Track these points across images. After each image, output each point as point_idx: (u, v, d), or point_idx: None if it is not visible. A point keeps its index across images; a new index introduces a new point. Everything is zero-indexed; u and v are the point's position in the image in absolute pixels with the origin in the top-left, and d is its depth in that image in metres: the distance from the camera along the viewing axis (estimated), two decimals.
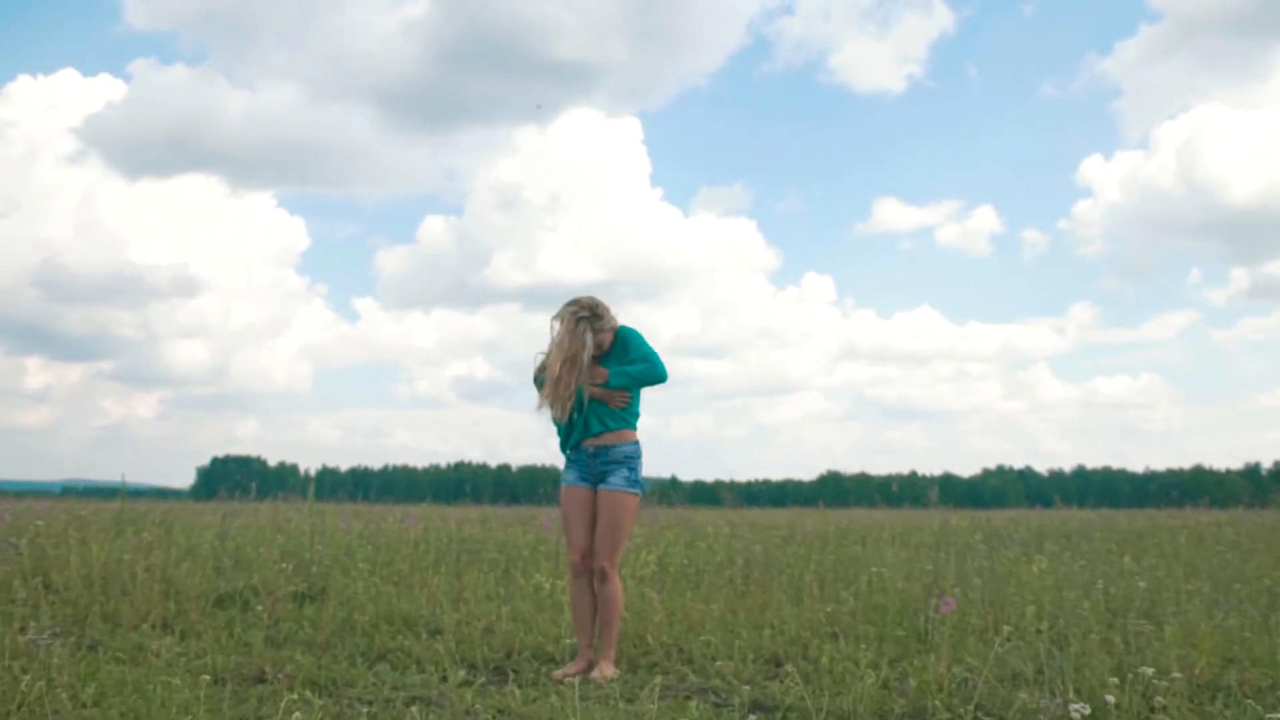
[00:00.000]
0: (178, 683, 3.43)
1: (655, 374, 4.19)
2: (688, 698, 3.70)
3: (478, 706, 3.50)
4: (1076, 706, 2.90)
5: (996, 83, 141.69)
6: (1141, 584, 5.67)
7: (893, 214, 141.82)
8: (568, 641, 4.49)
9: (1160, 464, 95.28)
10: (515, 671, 4.14)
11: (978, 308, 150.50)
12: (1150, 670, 3.19)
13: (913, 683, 3.67)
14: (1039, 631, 4.46)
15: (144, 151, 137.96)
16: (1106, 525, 13.59)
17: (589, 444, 4.19)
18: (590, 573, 4.19)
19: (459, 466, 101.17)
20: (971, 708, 3.34)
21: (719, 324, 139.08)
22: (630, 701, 3.59)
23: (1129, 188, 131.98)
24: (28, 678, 3.27)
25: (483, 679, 3.93)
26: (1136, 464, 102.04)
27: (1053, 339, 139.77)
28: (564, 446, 4.28)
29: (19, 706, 3.19)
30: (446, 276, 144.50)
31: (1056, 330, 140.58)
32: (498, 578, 6.47)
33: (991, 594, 5.49)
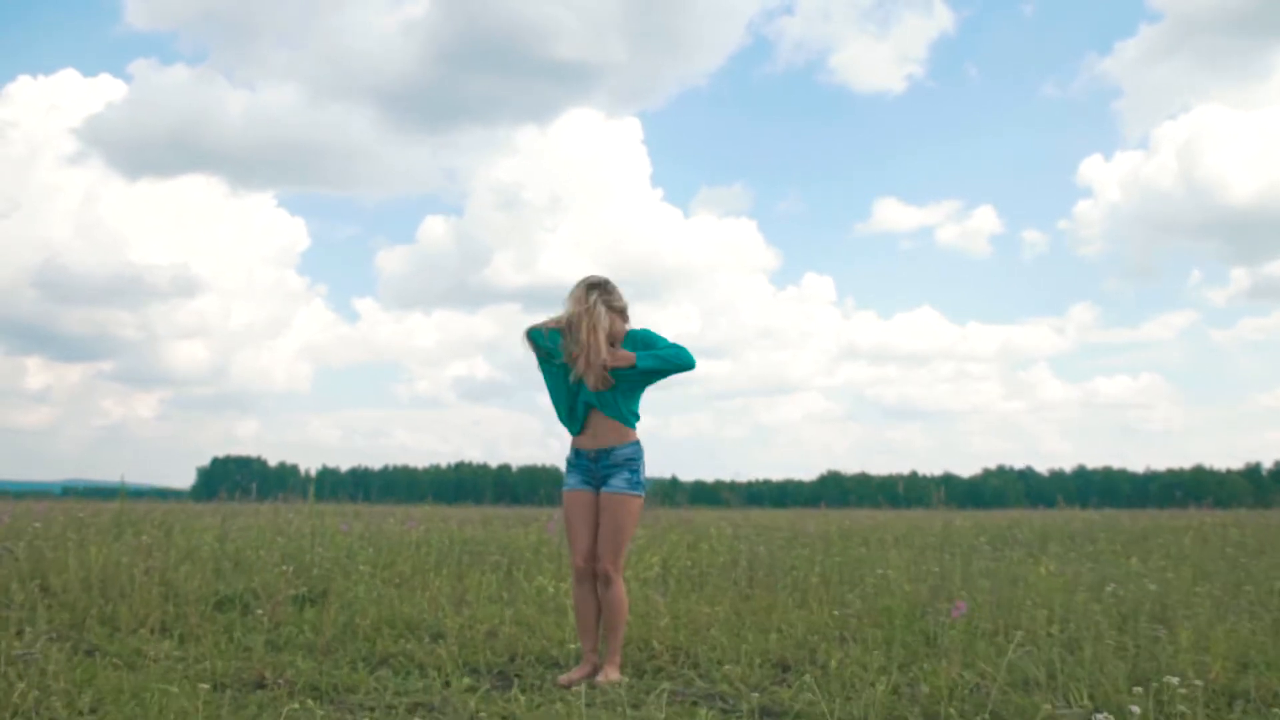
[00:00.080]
0: (175, 690, 3.36)
1: (684, 358, 4.09)
2: (695, 703, 3.64)
3: (482, 713, 3.43)
4: (1101, 716, 2.84)
5: (996, 83, 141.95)
6: (1152, 587, 5.61)
7: (893, 214, 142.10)
8: (572, 646, 4.43)
9: (1160, 464, 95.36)
10: (519, 676, 4.08)
11: (978, 308, 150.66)
12: (1175, 680, 3.11)
13: (925, 689, 3.61)
14: (1050, 635, 4.41)
15: (144, 152, 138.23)
16: (1110, 526, 13.53)
17: (590, 448, 4.11)
18: (594, 576, 4.13)
19: (459, 467, 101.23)
20: (986, 715, 3.28)
21: (719, 324, 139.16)
22: (637, 707, 3.52)
23: (1129, 188, 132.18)
24: (23, 685, 3.21)
25: (486, 685, 3.87)
26: (1137, 464, 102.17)
27: (1053, 339, 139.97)
28: (567, 420, 4.18)
29: (13, 715, 3.12)
30: (447, 277, 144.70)
31: (1057, 330, 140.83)
32: (500, 580, 6.41)
33: (1000, 597, 5.43)
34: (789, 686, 3.85)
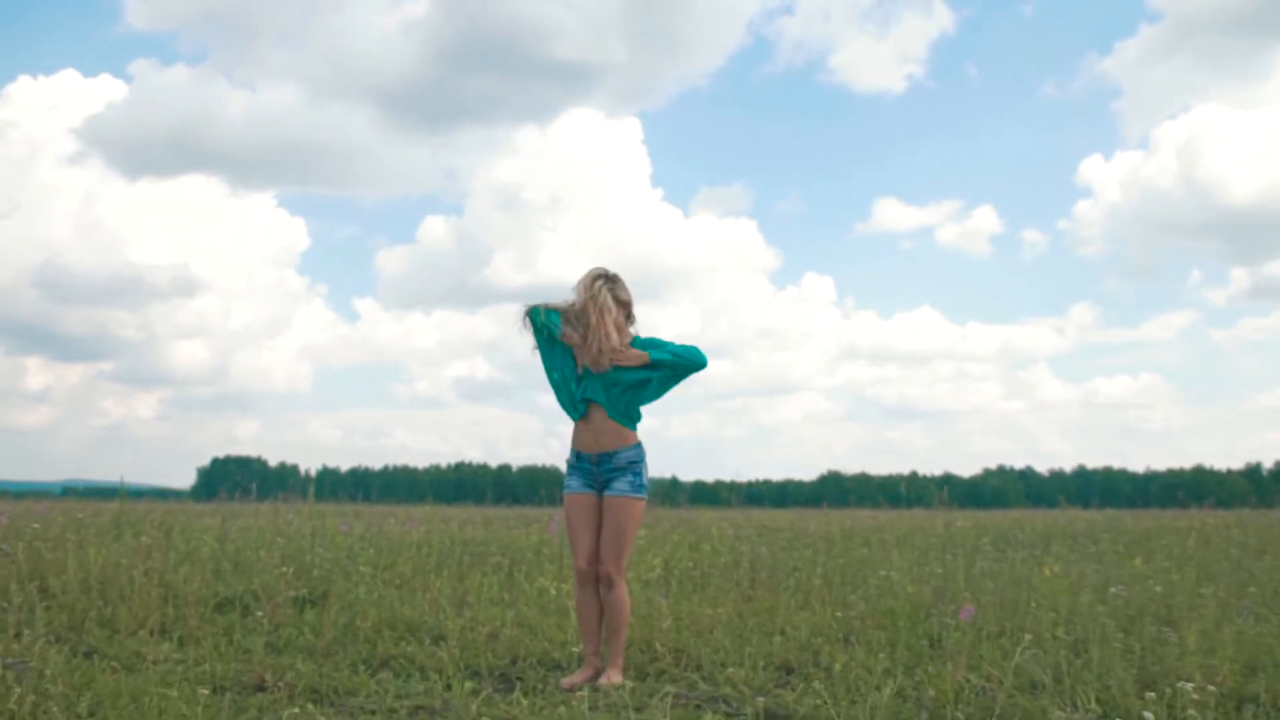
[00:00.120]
0: (174, 695, 3.33)
1: (697, 356, 4.06)
2: (698, 707, 3.61)
3: (484, 717, 3.41)
4: None
5: (996, 83, 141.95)
6: (1157, 588, 5.58)
7: (893, 214, 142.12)
8: (575, 650, 4.39)
9: (1160, 464, 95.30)
10: (521, 679, 4.05)
11: (978, 308, 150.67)
12: (1190, 685, 3.08)
13: (931, 693, 3.57)
14: (1055, 638, 4.37)
15: (144, 152, 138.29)
16: (1113, 527, 13.49)
17: (592, 451, 4.08)
18: (597, 579, 4.09)
19: (459, 467, 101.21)
20: None
21: (719, 324, 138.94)
22: (640, 711, 3.49)
23: (1129, 188, 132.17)
24: (20, 689, 3.17)
25: (488, 688, 3.84)
26: (1137, 464, 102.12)
27: (1053, 339, 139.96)
28: (569, 407, 4.14)
29: None
30: (447, 277, 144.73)
31: (1056, 330, 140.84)
32: (501, 581, 6.38)
33: (1003, 598, 5.40)
34: (793, 690, 3.82)
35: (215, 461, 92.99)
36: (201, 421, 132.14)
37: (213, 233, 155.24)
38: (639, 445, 4.10)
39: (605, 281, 4.07)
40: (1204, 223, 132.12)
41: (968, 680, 3.72)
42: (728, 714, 3.55)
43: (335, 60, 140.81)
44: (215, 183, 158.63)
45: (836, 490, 71.14)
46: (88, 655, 4.25)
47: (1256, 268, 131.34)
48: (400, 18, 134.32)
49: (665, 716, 3.33)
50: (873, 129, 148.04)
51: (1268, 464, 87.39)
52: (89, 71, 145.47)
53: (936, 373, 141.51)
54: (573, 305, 4.06)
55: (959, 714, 3.29)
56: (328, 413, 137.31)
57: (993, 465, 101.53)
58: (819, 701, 3.54)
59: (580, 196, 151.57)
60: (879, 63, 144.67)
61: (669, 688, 3.77)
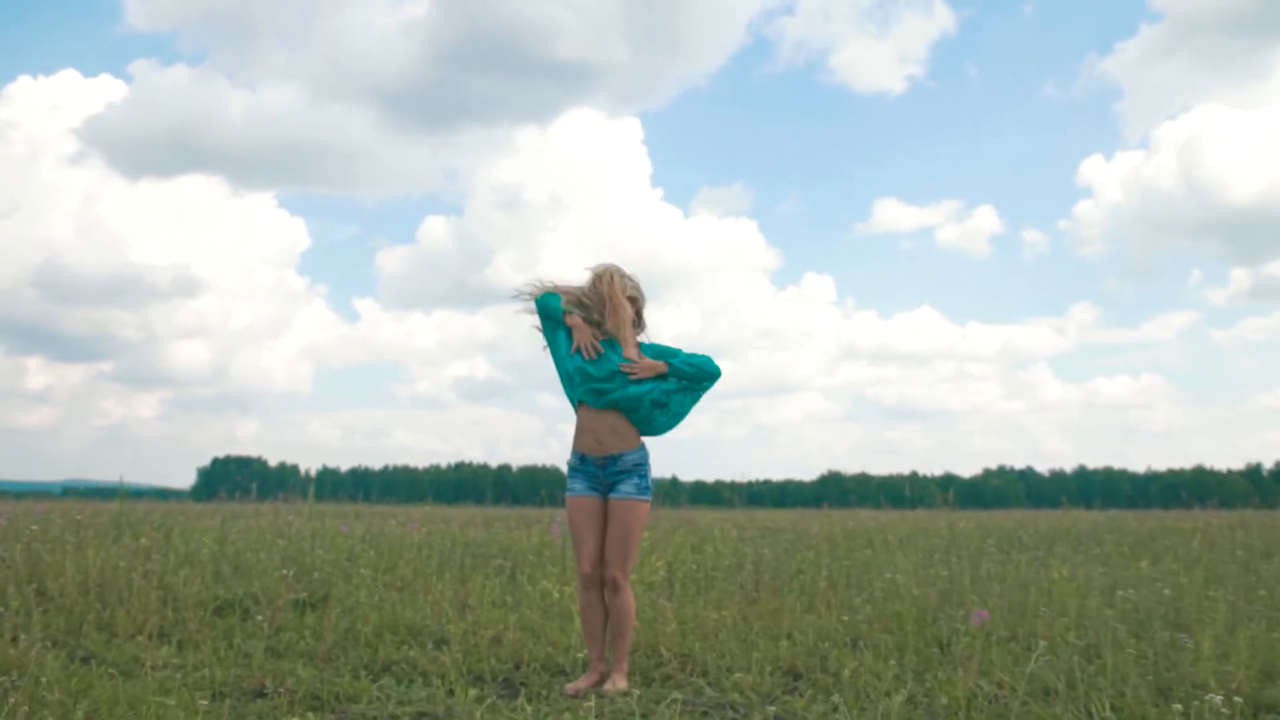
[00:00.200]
0: (172, 703, 3.27)
1: (711, 366, 4.05)
2: (705, 713, 3.55)
3: None
4: None
5: (997, 83, 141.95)
6: (1166, 591, 5.52)
7: (893, 214, 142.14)
8: (579, 655, 4.33)
9: (1161, 464, 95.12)
10: (525, 685, 3.99)
11: (978, 308, 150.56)
12: (1219, 699, 3.01)
13: (943, 700, 3.51)
14: (1066, 643, 4.31)
15: (145, 152, 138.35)
16: (1116, 528, 13.43)
17: (596, 454, 4.01)
18: (601, 583, 4.03)
19: (459, 467, 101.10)
20: None
21: (719, 324, 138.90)
22: (647, 718, 3.44)
23: (1129, 188, 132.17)
24: (16, 696, 3.11)
25: (492, 694, 3.78)
26: (1137, 464, 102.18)
27: (1053, 339, 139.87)
28: (575, 395, 4.07)
29: None
30: (447, 277, 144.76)
31: (1057, 330, 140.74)
32: (503, 583, 6.32)
33: (1011, 602, 5.34)
34: (801, 696, 3.76)
35: (215, 461, 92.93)
36: (202, 422, 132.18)
37: (213, 233, 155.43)
38: (643, 447, 4.04)
39: (616, 271, 4.08)
40: (1204, 223, 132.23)
41: (979, 687, 3.66)
42: None
43: (335, 60, 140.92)
44: (216, 183, 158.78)
45: (837, 490, 71.12)
46: (85, 660, 4.19)
47: (1257, 268, 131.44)
48: (400, 18, 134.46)
49: None
50: (873, 129, 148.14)
51: (1268, 464, 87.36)
52: (89, 71, 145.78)
53: (937, 373, 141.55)
54: (579, 290, 4.05)
55: None
56: (328, 413, 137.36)
57: (993, 465, 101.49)
58: (828, 709, 3.48)
59: (580, 197, 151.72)
60: (879, 63, 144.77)
61: (675, 694, 3.71)
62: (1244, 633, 4.29)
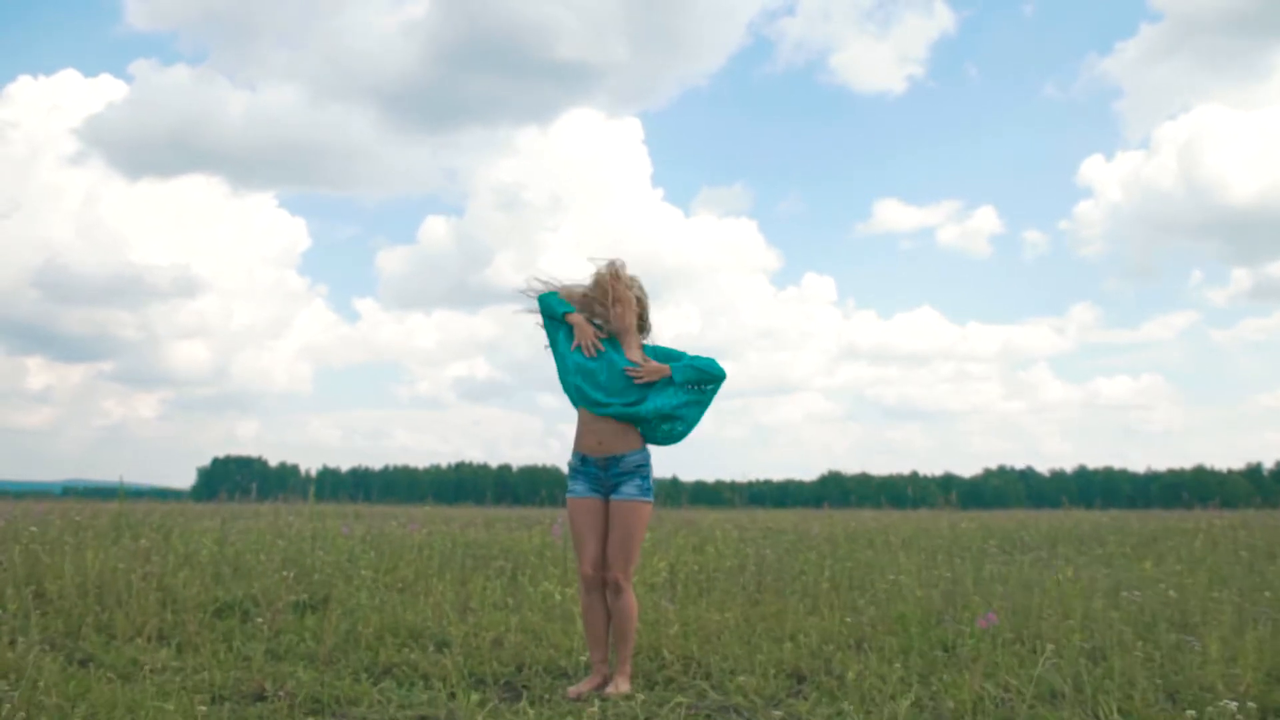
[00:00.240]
0: (171, 708, 3.24)
1: (716, 368, 4.02)
2: (709, 717, 3.52)
3: None
4: None
5: (997, 83, 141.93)
6: (1171, 593, 5.48)
7: (893, 214, 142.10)
8: (582, 658, 4.30)
9: (1161, 464, 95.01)
10: (527, 688, 3.96)
11: (978, 308, 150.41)
12: (1235, 705, 2.98)
13: (950, 703, 3.48)
14: (1072, 645, 4.28)
15: (145, 152, 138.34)
16: (1118, 528, 13.39)
17: (597, 455, 3.98)
18: (604, 585, 4.00)
19: (460, 467, 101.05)
20: None
21: (719, 324, 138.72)
22: None
23: (1130, 188, 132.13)
24: (13, 700, 3.08)
25: (494, 697, 3.75)
26: (1138, 464, 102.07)
27: (1053, 339, 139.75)
28: (585, 402, 4.02)
29: None
30: (447, 277, 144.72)
31: (1057, 330, 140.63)
32: (504, 585, 6.29)
33: (1015, 603, 5.31)
34: (805, 699, 3.73)
35: (216, 462, 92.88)
36: (202, 422, 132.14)
37: (213, 233, 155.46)
38: (645, 448, 4.01)
39: (624, 269, 4.08)
40: (1204, 223, 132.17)
41: (985, 690, 3.62)
42: None
43: (336, 60, 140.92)
44: (216, 183, 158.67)
45: (837, 490, 71.02)
46: (83, 663, 4.15)
47: (1257, 268, 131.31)
48: (400, 18, 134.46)
49: None
50: (873, 129, 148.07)
51: (1268, 464, 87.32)
52: (89, 71, 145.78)
53: (937, 373, 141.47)
54: (584, 288, 4.03)
55: None
56: (328, 413, 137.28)
57: (993, 465, 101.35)
58: (834, 713, 3.45)
59: (581, 197, 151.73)
60: (879, 63, 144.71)
61: (679, 698, 3.68)
62: (1251, 635, 4.26)
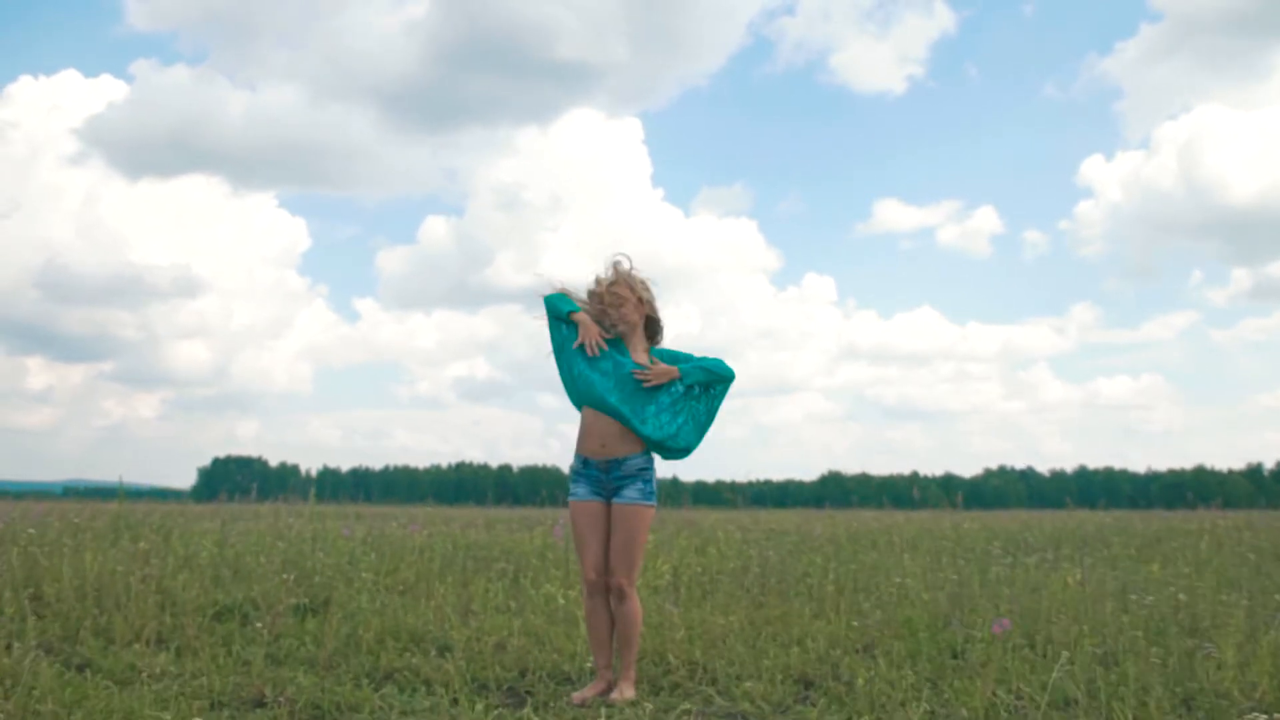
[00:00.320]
0: (168, 717, 3.18)
1: (724, 369, 3.97)
2: None
3: None
4: None
5: (997, 83, 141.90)
6: (1181, 596, 5.43)
7: (893, 214, 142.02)
8: (586, 665, 4.24)
9: (1161, 464, 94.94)
10: (530, 693, 3.90)
11: (978, 308, 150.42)
12: (1257, 715, 2.92)
13: (963, 711, 3.42)
14: (1084, 650, 4.22)
15: (145, 152, 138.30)
16: (1122, 529, 13.34)
17: (600, 458, 3.92)
18: (607, 590, 3.93)
19: (460, 467, 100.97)
20: None
21: (719, 324, 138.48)
22: None
23: (1130, 188, 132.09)
24: (8, 707, 3.02)
25: (497, 704, 3.69)
26: (1138, 464, 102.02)
27: (1053, 339, 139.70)
28: (578, 403, 3.99)
29: None
30: (447, 277, 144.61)
31: (1057, 331, 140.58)
32: (506, 588, 6.23)
33: (1022, 606, 5.25)
34: (813, 705, 3.67)
35: (216, 462, 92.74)
36: (202, 422, 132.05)
37: (213, 233, 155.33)
38: (649, 452, 3.95)
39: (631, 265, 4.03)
40: (1204, 223, 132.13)
41: (998, 696, 3.56)
42: None
43: (336, 60, 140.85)
44: (216, 183, 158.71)
45: (838, 491, 70.90)
46: (81, 668, 4.09)
47: (1257, 268, 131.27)
48: (401, 18, 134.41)
49: None
50: (873, 129, 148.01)
51: (1269, 464, 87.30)
52: (90, 72, 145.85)
53: (937, 373, 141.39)
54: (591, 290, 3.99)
55: None
56: (328, 413, 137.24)
57: (993, 465, 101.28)
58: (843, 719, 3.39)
59: (581, 197, 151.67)
60: (879, 63, 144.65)
61: (685, 704, 3.62)
62: (1265, 639, 4.20)
